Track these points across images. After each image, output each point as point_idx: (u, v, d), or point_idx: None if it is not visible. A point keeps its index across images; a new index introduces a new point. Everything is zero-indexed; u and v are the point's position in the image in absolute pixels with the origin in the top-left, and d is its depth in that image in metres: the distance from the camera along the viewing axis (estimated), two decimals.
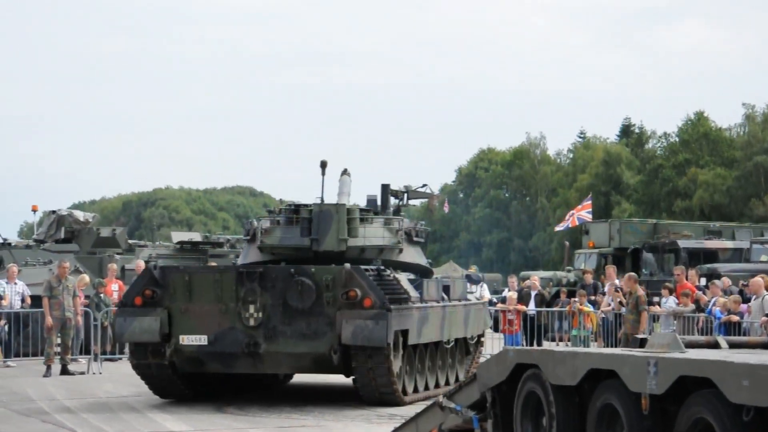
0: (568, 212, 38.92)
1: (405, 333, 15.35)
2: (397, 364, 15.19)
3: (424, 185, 18.22)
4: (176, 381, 15.81)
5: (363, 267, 15.21)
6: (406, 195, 17.95)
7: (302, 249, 16.32)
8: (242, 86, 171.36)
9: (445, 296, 17.16)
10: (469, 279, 29.45)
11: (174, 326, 15.26)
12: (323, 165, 16.69)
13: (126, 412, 14.81)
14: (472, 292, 23.68)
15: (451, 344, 17.19)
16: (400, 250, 16.89)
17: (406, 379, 15.85)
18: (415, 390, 16.21)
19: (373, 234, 16.64)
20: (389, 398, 15.26)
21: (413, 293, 15.84)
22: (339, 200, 16.82)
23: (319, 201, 16.55)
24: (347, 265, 14.93)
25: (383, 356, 14.78)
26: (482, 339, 19.48)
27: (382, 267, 15.72)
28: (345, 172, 17.68)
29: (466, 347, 18.41)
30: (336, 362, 14.85)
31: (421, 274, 17.27)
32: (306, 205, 16.57)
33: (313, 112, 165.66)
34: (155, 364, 15.49)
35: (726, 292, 22.15)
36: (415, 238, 17.37)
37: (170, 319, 15.27)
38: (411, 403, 15.56)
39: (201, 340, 15.19)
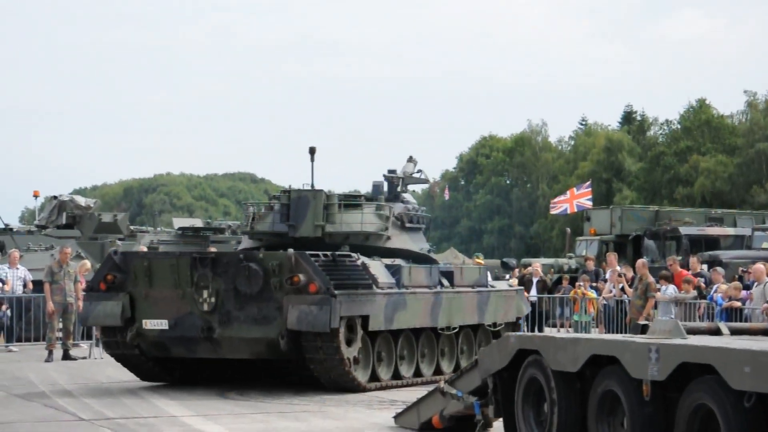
0: (562, 195, 38.76)
1: (365, 318, 15.26)
2: (351, 350, 15.06)
3: (419, 171, 18.11)
4: (148, 363, 16.11)
5: (313, 252, 15.05)
6: (402, 181, 17.88)
7: (281, 235, 16.56)
8: (244, 73, 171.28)
9: (446, 282, 17.09)
10: (505, 266, 29.52)
11: (137, 311, 15.55)
12: (312, 151, 16.97)
13: (128, 397, 14.83)
14: (506, 279, 23.58)
15: (454, 330, 17.09)
16: (388, 237, 16.89)
17: (379, 365, 15.79)
18: (397, 377, 16.11)
19: (357, 220, 16.64)
20: (345, 384, 15.19)
21: (386, 279, 15.72)
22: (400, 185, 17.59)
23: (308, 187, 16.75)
24: (291, 251, 14.96)
25: (331, 341, 14.72)
26: (518, 324, 19.21)
27: (350, 253, 15.57)
28: (410, 159, 18.14)
29: (488, 334, 17.98)
30: (283, 347, 14.84)
31: (417, 260, 17.13)
32: (286, 192, 16.77)
33: (315, 100, 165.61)
34: (122, 347, 15.84)
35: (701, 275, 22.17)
36: (407, 224, 17.26)
37: (133, 303, 15.55)
38: (384, 389, 15.60)
39: (162, 324, 15.42)
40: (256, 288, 14.84)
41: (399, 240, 17.12)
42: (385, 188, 17.72)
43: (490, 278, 19.98)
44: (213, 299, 15.06)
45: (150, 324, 15.46)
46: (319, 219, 16.50)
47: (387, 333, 15.99)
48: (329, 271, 14.89)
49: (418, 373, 16.62)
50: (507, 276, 24.32)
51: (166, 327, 15.38)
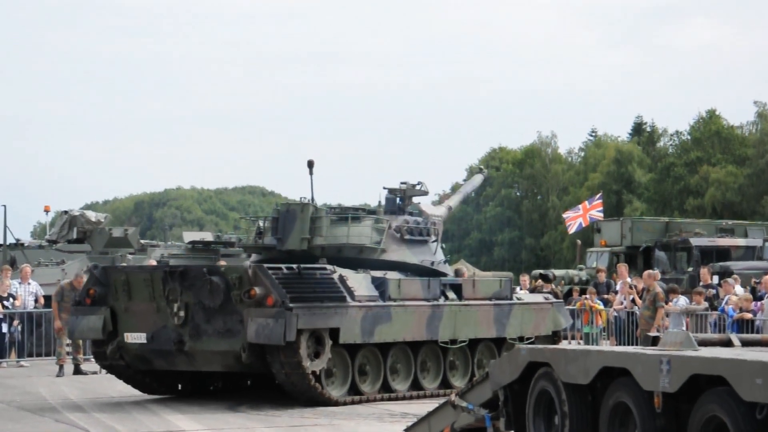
0: (573, 210, 38.71)
1: (335, 331, 15.15)
2: (316, 363, 14.94)
3: (419, 183, 17.89)
4: (137, 376, 16.42)
5: (274, 266, 15.03)
6: (404, 193, 17.70)
7: (271, 249, 16.71)
8: (254, 86, 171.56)
9: (453, 295, 16.89)
10: (545, 278, 29.43)
11: (119, 324, 15.81)
12: (310, 165, 16.92)
13: (139, 412, 14.84)
14: (542, 292, 23.05)
15: (462, 344, 16.92)
16: (383, 250, 16.79)
17: (362, 379, 15.75)
18: (388, 390, 16.03)
19: (347, 233, 16.60)
20: (313, 397, 15.12)
21: (366, 292, 15.63)
22: (455, 195, 18.12)
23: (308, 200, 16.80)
24: (247, 263, 15.12)
25: (293, 354, 14.67)
26: (557, 337, 18.53)
27: (325, 266, 15.47)
28: (480, 170, 18.59)
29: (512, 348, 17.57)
30: (245, 360, 14.86)
31: (418, 273, 16.98)
32: (278, 206, 17.05)
33: (325, 112, 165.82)
34: (110, 359, 16.15)
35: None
36: (407, 237, 17.10)
37: (115, 317, 15.80)
38: (359, 402, 15.52)
39: (141, 338, 15.65)
40: (218, 301, 14.91)
41: (396, 253, 16.98)
42: (398, 201, 17.67)
43: (521, 290, 19.67)
44: (182, 313, 15.20)
45: (131, 337, 15.72)
46: (305, 232, 16.54)
47: (373, 346, 15.86)
48: (293, 284, 14.81)
49: (418, 386, 16.47)
50: (545, 289, 23.82)
51: (145, 340, 15.59)
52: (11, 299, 22.38)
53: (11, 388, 18.01)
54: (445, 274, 17.50)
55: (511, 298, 17.86)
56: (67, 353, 20.54)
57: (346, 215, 16.87)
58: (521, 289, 26.26)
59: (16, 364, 22.18)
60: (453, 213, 21.60)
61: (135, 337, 15.66)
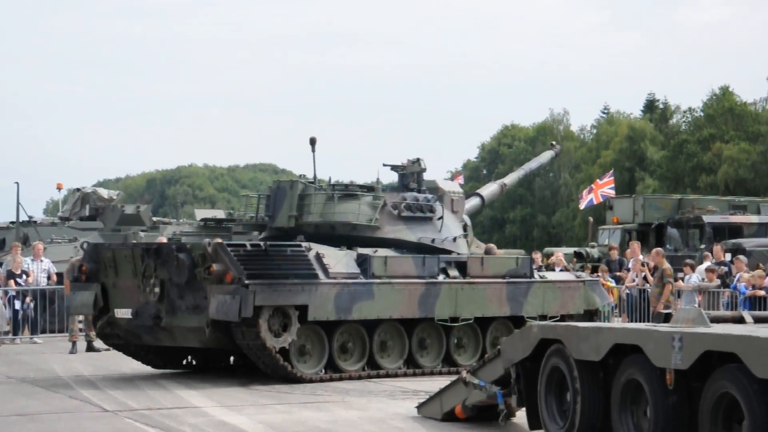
0: (586, 188, 38.67)
1: (303, 308, 15.16)
2: (280, 340, 14.95)
3: (417, 159, 17.70)
4: (139, 351, 16.92)
5: (237, 243, 15.41)
6: (404, 170, 17.44)
7: (263, 226, 17.10)
8: (266, 64, 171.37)
9: (456, 273, 16.67)
10: (579, 257, 29.33)
11: (110, 300, 16.18)
12: (312, 142, 16.82)
13: (152, 388, 14.88)
14: (572, 270, 22.84)
15: (467, 322, 16.64)
16: (378, 227, 16.71)
17: (342, 356, 15.75)
18: (376, 367, 16.01)
19: (337, 210, 16.58)
20: (282, 374, 15.22)
21: (345, 269, 15.60)
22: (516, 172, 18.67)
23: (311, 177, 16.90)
24: (207, 240, 15.25)
25: (253, 331, 14.76)
26: (596, 316, 18.18)
27: (300, 243, 15.54)
28: (552, 146, 19.37)
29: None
30: (209, 336, 14.99)
31: (417, 250, 16.77)
32: (272, 183, 17.32)
33: (337, 91, 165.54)
34: (106, 334, 16.65)
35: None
36: (405, 214, 16.91)
37: (106, 292, 16.18)
38: (339, 380, 15.52)
39: (128, 313, 15.91)
40: (185, 278, 15.09)
41: (392, 230, 16.85)
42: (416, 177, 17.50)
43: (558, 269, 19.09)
44: (158, 289, 15.44)
45: (120, 313, 16.03)
46: (293, 209, 16.64)
47: (357, 324, 15.83)
48: (256, 261, 14.86)
49: (416, 364, 16.42)
50: (580, 266, 23.18)
51: (131, 316, 15.84)
52: (24, 276, 22.46)
53: (25, 365, 18.09)
54: (449, 252, 17.15)
55: (531, 276, 17.52)
56: (80, 330, 20.60)
57: (343, 193, 16.82)
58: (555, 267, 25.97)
59: (29, 340, 22.28)
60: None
61: (123, 313, 15.95)
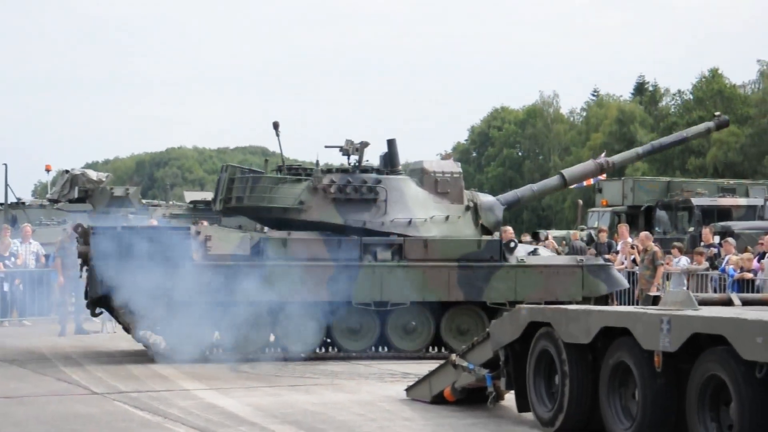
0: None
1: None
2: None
3: (361, 143, 17.13)
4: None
5: (107, 226, 16.72)
6: (347, 151, 17.10)
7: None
8: (257, 45, 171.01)
9: (386, 256, 16.36)
10: (536, 237, 29.32)
11: None
12: (275, 126, 16.91)
13: (141, 371, 14.89)
14: (595, 253, 22.66)
15: (400, 306, 16.33)
16: (306, 210, 16.61)
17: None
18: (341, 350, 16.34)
19: (260, 193, 16.65)
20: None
21: (231, 252, 15.94)
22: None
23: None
24: (75, 223, 16.93)
25: (111, 310, 16.25)
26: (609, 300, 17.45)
27: (188, 225, 16.64)
28: (717, 117, 19.95)
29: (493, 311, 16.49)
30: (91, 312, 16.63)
31: (349, 232, 16.52)
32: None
33: (326, 72, 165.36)
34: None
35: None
36: (336, 196, 16.62)
37: None
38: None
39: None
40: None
41: (320, 212, 16.65)
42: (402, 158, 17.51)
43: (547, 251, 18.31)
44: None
45: None
46: (222, 193, 16.97)
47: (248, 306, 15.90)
48: (120, 243, 15.71)
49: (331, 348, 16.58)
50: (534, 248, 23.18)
51: None
52: (12, 258, 22.41)
53: (13, 347, 18.06)
54: (387, 234, 16.61)
55: (502, 259, 16.71)
56: (70, 312, 20.56)
57: (278, 177, 16.85)
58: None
59: (18, 323, 22.24)
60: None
61: None
